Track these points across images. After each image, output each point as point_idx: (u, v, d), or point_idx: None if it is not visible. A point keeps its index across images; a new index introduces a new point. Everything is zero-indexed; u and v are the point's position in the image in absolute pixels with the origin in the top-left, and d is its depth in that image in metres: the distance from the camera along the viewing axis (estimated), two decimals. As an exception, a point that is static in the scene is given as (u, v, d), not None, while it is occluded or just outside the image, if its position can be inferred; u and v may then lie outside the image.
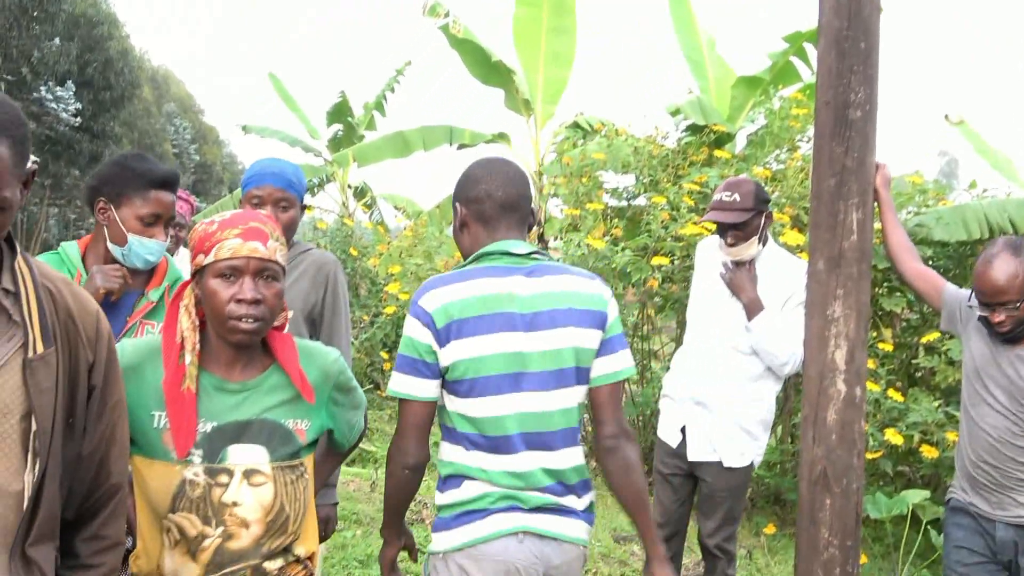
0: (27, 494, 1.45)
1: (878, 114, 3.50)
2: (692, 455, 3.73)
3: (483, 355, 2.26)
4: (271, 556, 1.96)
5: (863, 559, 5.54)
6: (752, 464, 3.75)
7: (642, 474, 2.43)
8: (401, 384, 2.32)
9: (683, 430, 3.78)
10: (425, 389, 2.30)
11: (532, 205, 2.50)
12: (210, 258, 1.93)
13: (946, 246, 6.64)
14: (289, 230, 2.88)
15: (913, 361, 6.68)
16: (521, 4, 9.01)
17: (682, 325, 7.31)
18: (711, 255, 3.87)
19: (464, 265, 2.43)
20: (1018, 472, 2.96)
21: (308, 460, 2.07)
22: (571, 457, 2.36)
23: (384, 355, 9.52)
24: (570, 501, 2.35)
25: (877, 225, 3.74)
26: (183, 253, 4.18)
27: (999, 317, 2.92)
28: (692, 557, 5.12)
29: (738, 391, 3.66)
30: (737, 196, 3.67)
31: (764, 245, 3.77)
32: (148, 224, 2.67)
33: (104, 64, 25.12)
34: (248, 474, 1.92)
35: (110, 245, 2.66)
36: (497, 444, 2.29)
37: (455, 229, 2.53)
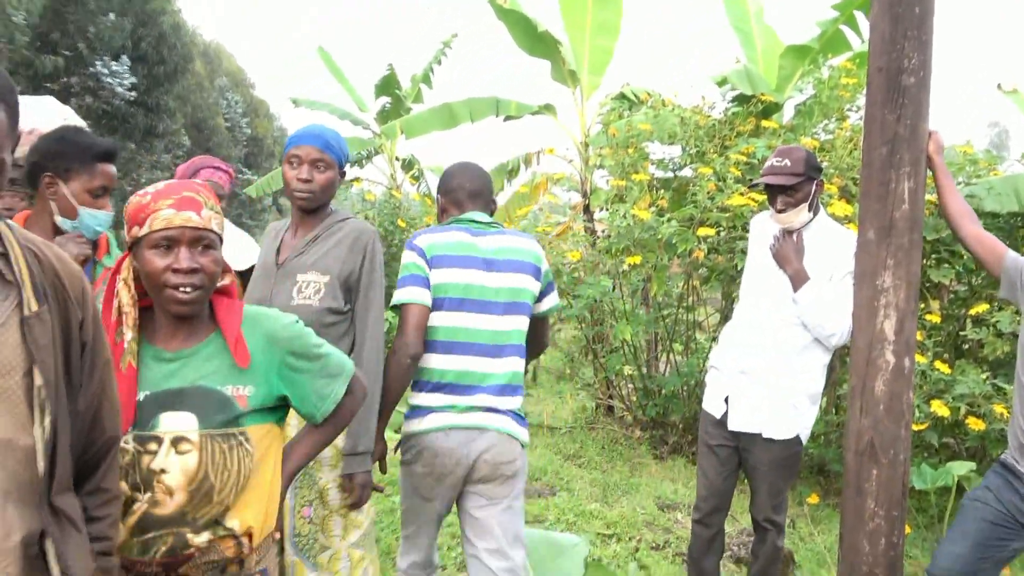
0: (39, 448, 1.47)
1: (933, 82, 3.42)
2: (733, 425, 3.69)
3: (457, 282, 2.96)
4: (197, 528, 1.91)
5: (907, 530, 5.48)
6: (798, 438, 3.68)
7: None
8: (406, 294, 2.93)
9: (727, 400, 3.74)
10: (423, 295, 2.93)
11: (492, 196, 3.34)
12: (145, 229, 1.93)
13: (997, 217, 6.50)
14: (326, 191, 2.94)
15: (960, 333, 6.58)
16: (568, -26, 8.94)
17: (727, 296, 7.28)
18: (764, 228, 3.82)
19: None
20: None
21: (254, 429, 2.00)
22: (513, 364, 3.04)
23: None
24: (499, 402, 2.97)
25: (928, 196, 3.66)
26: (225, 227, 4.20)
27: None
28: (735, 526, 5.08)
29: (785, 362, 3.60)
30: (788, 161, 3.61)
31: (815, 215, 3.71)
32: (97, 196, 2.76)
33: (157, 39, 25.33)
34: (176, 442, 1.89)
35: (59, 219, 2.69)
36: (459, 347, 2.96)
37: (438, 215, 3.32)
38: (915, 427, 5.78)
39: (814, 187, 3.66)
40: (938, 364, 5.95)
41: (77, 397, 1.59)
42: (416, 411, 2.99)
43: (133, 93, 23.48)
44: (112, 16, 23.19)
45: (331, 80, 15.57)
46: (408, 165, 15.42)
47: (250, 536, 1.97)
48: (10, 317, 1.47)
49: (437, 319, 2.96)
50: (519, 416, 3.05)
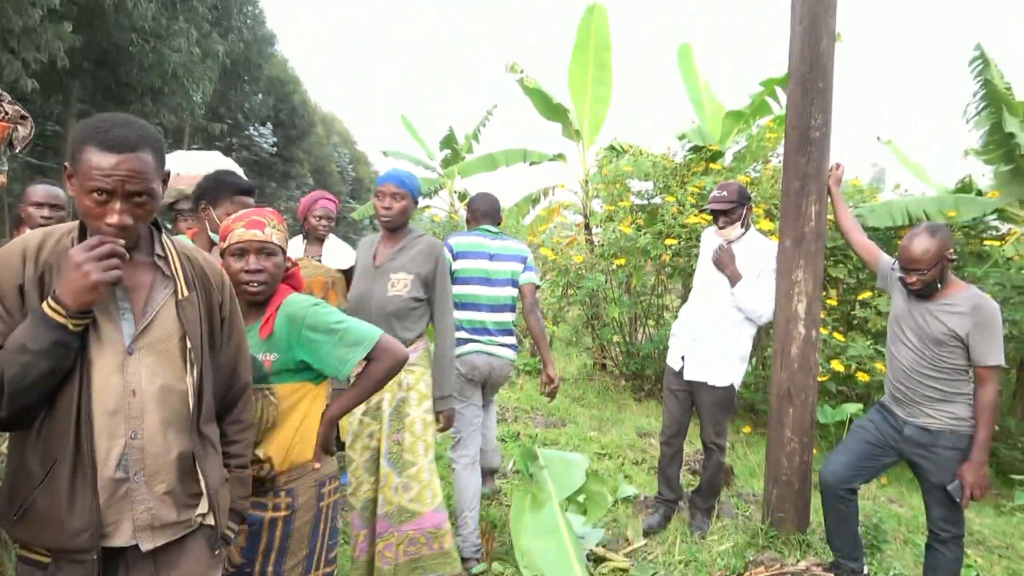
0: (190, 391, 1.49)
1: (833, 134, 3.35)
2: (687, 375, 3.60)
3: (474, 267, 3.41)
4: None
5: (815, 451, 5.41)
6: (733, 385, 3.59)
7: (542, 320, 3.63)
8: None
9: (683, 358, 3.67)
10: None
11: (500, 214, 3.70)
12: (226, 243, 1.95)
13: (877, 230, 6.42)
14: (402, 215, 2.90)
15: (852, 312, 6.48)
16: (574, 63, 8.82)
17: (687, 287, 7.19)
18: (709, 241, 3.74)
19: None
20: (923, 391, 2.83)
21: (280, 387, 1.93)
22: (507, 317, 3.47)
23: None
24: (503, 340, 3.43)
25: (829, 216, 3.58)
26: (333, 240, 4.24)
27: (912, 279, 2.80)
28: (692, 448, 5.02)
29: (723, 333, 3.52)
30: (726, 192, 3.54)
31: (747, 230, 3.63)
32: None
33: (291, 111, 25.59)
34: None
35: (211, 233, 2.67)
36: (474, 306, 3.37)
37: (467, 223, 3.70)
38: (820, 379, 5.71)
39: (745, 210, 3.58)
40: (836, 334, 5.86)
41: (219, 355, 1.60)
42: (459, 343, 3.32)
43: (274, 148, 23.72)
44: (260, 95, 23.42)
45: (409, 137, 15.60)
46: (463, 197, 15.43)
47: (270, 462, 1.90)
48: (169, 300, 1.50)
49: (464, 290, 3.37)
50: (514, 347, 3.51)
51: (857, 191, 6.85)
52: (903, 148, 9.14)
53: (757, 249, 3.55)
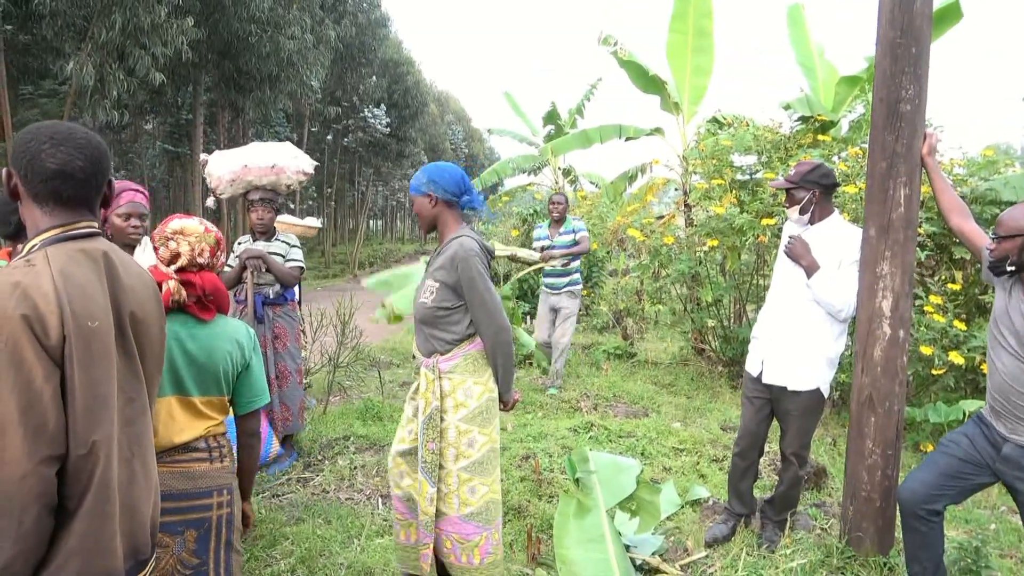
0: None
1: (928, 106, 2.92)
2: (766, 379, 3.30)
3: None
4: None
5: (928, 447, 4.90)
6: (819, 390, 3.25)
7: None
8: None
9: (763, 362, 3.37)
10: None
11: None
12: None
13: (1013, 204, 5.68)
14: (420, 215, 2.75)
15: (981, 296, 5.81)
16: (672, 31, 8.39)
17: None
18: (789, 232, 3.40)
19: None
20: None
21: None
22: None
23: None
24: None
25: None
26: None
27: (992, 246, 2.47)
28: (768, 456, 4.60)
29: (804, 333, 3.20)
30: (792, 172, 3.22)
31: (813, 218, 3.23)
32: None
33: (404, 91, 26.11)
34: None
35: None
36: None
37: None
38: (935, 372, 5.16)
39: (808, 195, 3.20)
40: (957, 322, 5.26)
41: None
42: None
43: (388, 129, 24.32)
44: (374, 78, 24.04)
45: (513, 114, 15.53)
46: (567, 173, 15.21)
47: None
48: None
49: None
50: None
51: (989, 162, 6.08)
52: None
53: (840, 237, 3.19)
